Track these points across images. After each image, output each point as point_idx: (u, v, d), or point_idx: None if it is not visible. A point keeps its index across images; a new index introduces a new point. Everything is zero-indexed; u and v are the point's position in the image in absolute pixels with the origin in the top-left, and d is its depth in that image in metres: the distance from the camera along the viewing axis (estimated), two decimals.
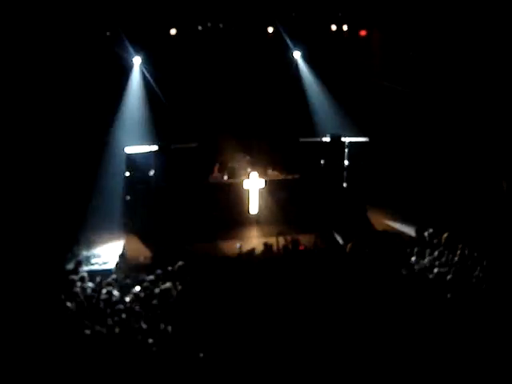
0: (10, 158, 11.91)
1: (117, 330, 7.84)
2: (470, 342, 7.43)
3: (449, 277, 9.28)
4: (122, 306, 8.66)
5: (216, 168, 14.70)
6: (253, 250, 11.40)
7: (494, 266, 9.63)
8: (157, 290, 9.13)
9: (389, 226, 14.10)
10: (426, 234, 11.79)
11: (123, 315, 8.33)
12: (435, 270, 9.62)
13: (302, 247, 11.59)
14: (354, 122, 15.34)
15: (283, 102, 15.70)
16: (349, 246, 11.52)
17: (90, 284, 9.70)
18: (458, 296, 8.68)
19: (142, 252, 12.54)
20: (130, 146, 13.77)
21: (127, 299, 9.04)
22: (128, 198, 13.78)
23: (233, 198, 14.32)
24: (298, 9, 14.44)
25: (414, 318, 7.99)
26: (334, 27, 15.27)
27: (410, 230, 13.30)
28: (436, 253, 10.51)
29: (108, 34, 13.56)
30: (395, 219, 14.29)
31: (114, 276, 10.09)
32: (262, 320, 8.04)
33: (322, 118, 15.84)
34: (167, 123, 14.65)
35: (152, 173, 13.87)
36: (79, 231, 12.98)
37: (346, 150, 14.98)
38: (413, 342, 7.43)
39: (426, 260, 10.35)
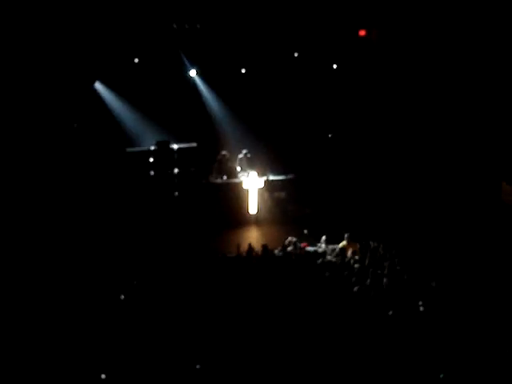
0: (11, 159, 11.92)
1: None
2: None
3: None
4: None
5: (215, 167, 14.68)
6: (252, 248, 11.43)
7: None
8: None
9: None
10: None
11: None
12: None
13: (304, 244, 11.58)
14: (353, 122, 15.35)
15: (283, 101, 15.69)
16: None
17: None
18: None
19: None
20: (129, 145, 13.76)
21: None
22: (127, 197, 13.75)
23: (232, 197, 14.32)
24: (298, 8, 14.44)
25: None
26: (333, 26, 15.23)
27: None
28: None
29: (107, 33, 13.51)
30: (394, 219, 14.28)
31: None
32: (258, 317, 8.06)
33: (321, 118, 15.83)
34: (167, 123, 14.62)
35: (151, 173, 13.87)
36: (78, 231, 12.97)
37: (345, 150, 14.98)
38: None
39: None
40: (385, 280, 9.23)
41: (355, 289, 8.89)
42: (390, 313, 8.15)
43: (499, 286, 8.95)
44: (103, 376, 6.94)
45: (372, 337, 7.55)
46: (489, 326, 7.79)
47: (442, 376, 6.82)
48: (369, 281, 9.29)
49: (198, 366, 7.07)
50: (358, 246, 11.51)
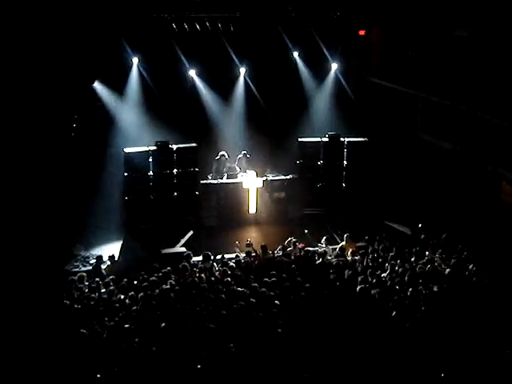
0: (10, 159, 11.91)
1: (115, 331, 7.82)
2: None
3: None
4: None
5: (215, 167, 14.67)
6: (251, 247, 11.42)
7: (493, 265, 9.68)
8: (156, 291, 9.14)
9: (388, 226, 14.08)
10: (423, 234, 11.80)
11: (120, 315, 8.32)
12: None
13: (302, 245, 11.56)
14: (352, 122, 15.34)
15: (282, 101, 15.67)
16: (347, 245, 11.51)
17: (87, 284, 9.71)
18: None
19: (140, 252, 12.52)
20: (128, 145, 13.76)
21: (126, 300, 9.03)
22: (126, 198, 13.74)
23: (232, 197, 14.32)
24: (298, 9, 14.43)
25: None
26: (333, 26, 15.19)
27: (408, 231, 13.31)
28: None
29: (106, 34, 13.49)
30: (394, 219, 14.26)
31: (111, 276, 10.08)
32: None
33: (321, 118, 15.81)
34: (166, 123, 14.60)
35: (150, 173, 13.87)
36: (77, 231, 12.98)
37: (345, 150, 14.97)
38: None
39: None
40: (388, 282, 9.23)
41: (358, 288, 8.88)
42: (394, 314, 8.14)
43: (499, 286, 8.95)
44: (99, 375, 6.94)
45: (374, 337, 7.54)
46: (489, 325, 7.78)
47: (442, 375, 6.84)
48: (370, 281, 9.29)
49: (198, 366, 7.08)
50: (356, 246, 11.55)
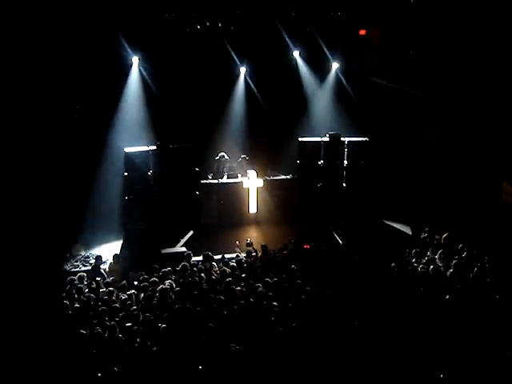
0: (9, 159, 11.89)
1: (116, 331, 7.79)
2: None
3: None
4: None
5: (215, 167, 14.66)
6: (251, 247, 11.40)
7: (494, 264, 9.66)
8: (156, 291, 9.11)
9: (388, 225, 14.07)
10: (424, 234, 11.78)
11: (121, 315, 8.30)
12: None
13: (306, 246, 11.53)
14: (353, 122, 15.32)
15: (282, 101, 15.66)
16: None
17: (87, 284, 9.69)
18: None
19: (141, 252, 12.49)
20: (128, 145, 13.74)
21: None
22: (126, 198, 13.72)
23: (232, 197, 14.31)
24: (299, 8, 14.41)
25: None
26: (333, 26, 15.16)
27: (409, 230, 13.31)
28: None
29: (106, 33, 13.48)
30: (395, 219, 14.25)
31: (111, 276, 10.07)
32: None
33: (321, 118, 15.80)
34: (166, 123, 14.59)
35: (150, 173, 13.85)
36: (77, 231, 12.97)
37: (346, 150, 14.95)
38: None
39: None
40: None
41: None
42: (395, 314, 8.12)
43: (499, 286, 8.93)
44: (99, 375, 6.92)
45: (375, 337, 7.53)
46: (490, 326, 7.76)
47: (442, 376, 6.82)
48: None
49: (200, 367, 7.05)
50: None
